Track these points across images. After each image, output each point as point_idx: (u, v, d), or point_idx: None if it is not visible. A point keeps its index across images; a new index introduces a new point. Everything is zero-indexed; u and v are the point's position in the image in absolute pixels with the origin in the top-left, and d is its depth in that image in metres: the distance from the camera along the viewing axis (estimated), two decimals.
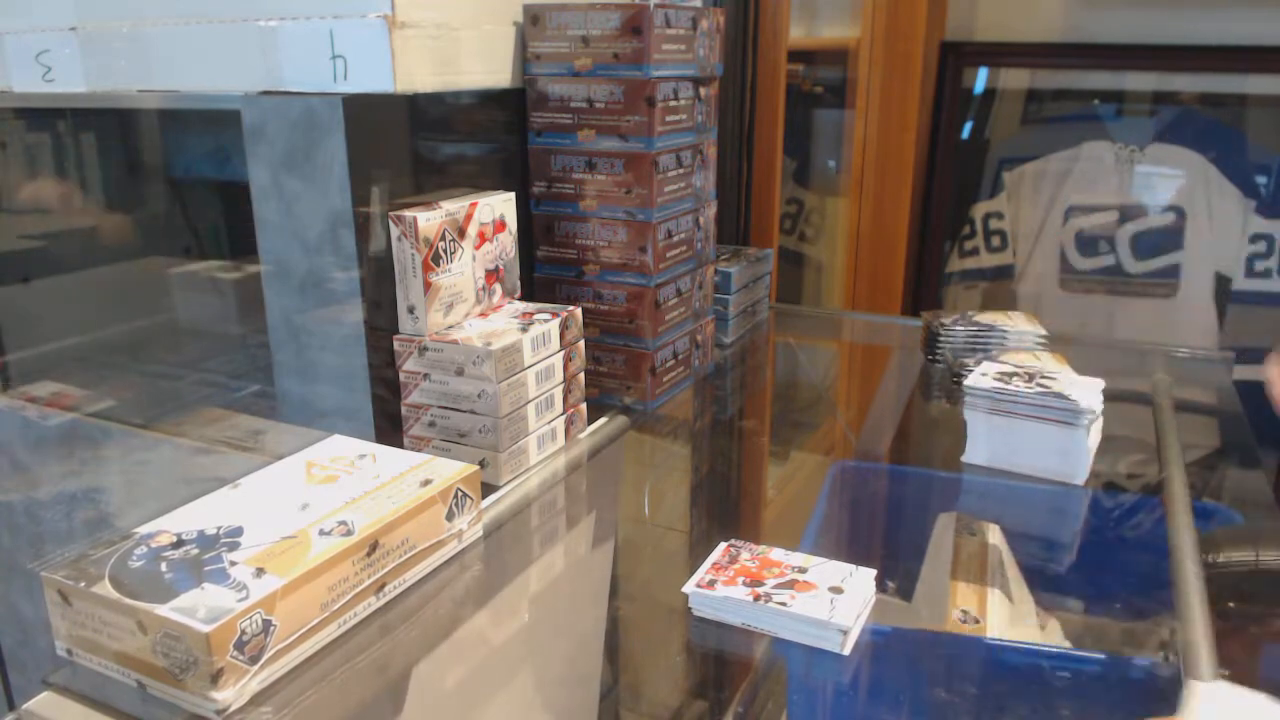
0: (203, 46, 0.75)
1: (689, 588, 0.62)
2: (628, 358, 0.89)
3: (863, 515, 0.94)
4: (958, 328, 1.05)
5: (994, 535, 0.84)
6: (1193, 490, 0.77)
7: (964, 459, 0.84)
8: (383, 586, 0.56)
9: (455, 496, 0.61)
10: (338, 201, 0.68)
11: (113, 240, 1.10)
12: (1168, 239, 1.55)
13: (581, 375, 0.82)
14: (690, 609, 0.62)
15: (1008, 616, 0.74)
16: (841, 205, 1.72)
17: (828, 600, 0.59)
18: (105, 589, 0.49)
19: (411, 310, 0.73)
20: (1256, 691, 0.48)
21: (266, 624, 0.48)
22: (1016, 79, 1.69)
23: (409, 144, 0.74)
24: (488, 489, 0.70)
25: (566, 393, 0.80)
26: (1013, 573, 0.80)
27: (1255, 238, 1.49)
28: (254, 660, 0.48)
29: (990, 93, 1.72)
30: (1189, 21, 1.50)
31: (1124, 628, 0.75)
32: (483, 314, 0.79)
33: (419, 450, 0.74)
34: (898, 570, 0.81)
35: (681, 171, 0.89)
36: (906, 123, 1.56)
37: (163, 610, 0.47)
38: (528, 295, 0.86)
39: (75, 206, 1.09)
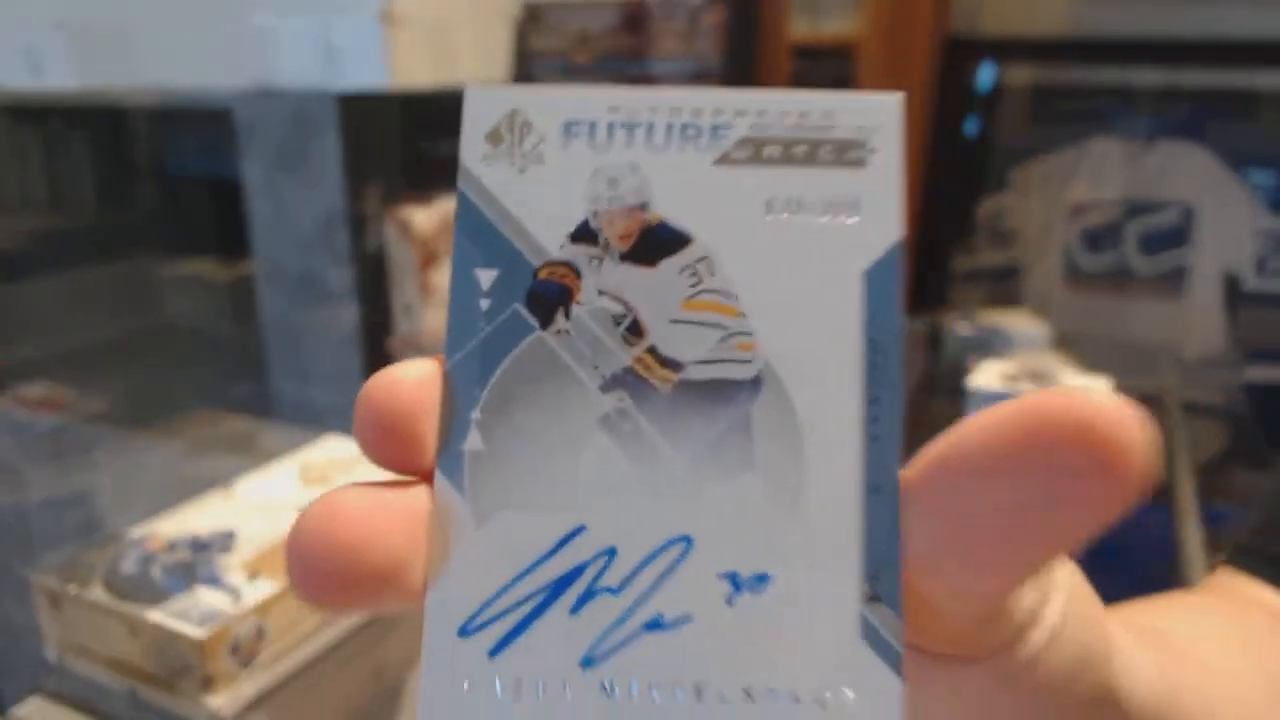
0: (195, 42, 0.74)
1: None
2: None
3: None
4: (962, 327, 1.04)
5: None
6: (1200, 493, 0.76)
7: None
8: None
9: None
10: (332, 200, 0.68)
11: (103, 239, 1.09)
12: (1176, 237, 1.54)
13: None
14: None
15: None
16: None
17: None
18: (97, 593, 0.48)
19: (408, 310, 0.72)
20: None
21: (260, 628, 0.48)
22: (1023, 75, 1.68)
23: (405, 141, 0.73)
24: None
25: None
26: None
27: (1266, 236, 1.47)
28: (247, 665, 0.47)
29: (996, 89, 1.70)
30: (1198, 16, 1.49)
31: None
32: None
33: None
34: None
35: None
36: (911, 119, 1.54)
37: (155, 615, 0.46)
38: None
39: (64, 205, 1.09)
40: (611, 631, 0.12)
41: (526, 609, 0.12)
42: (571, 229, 0.13)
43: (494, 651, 0.12)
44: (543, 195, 0.13)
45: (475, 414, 0.12)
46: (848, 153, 0.13)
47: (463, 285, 0.13)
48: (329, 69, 0.67)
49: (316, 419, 0.74)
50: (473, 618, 0.12)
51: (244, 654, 0.47)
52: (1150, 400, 1.00)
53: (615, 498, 0.12)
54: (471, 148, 0.13)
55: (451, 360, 0.13)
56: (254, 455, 0.70)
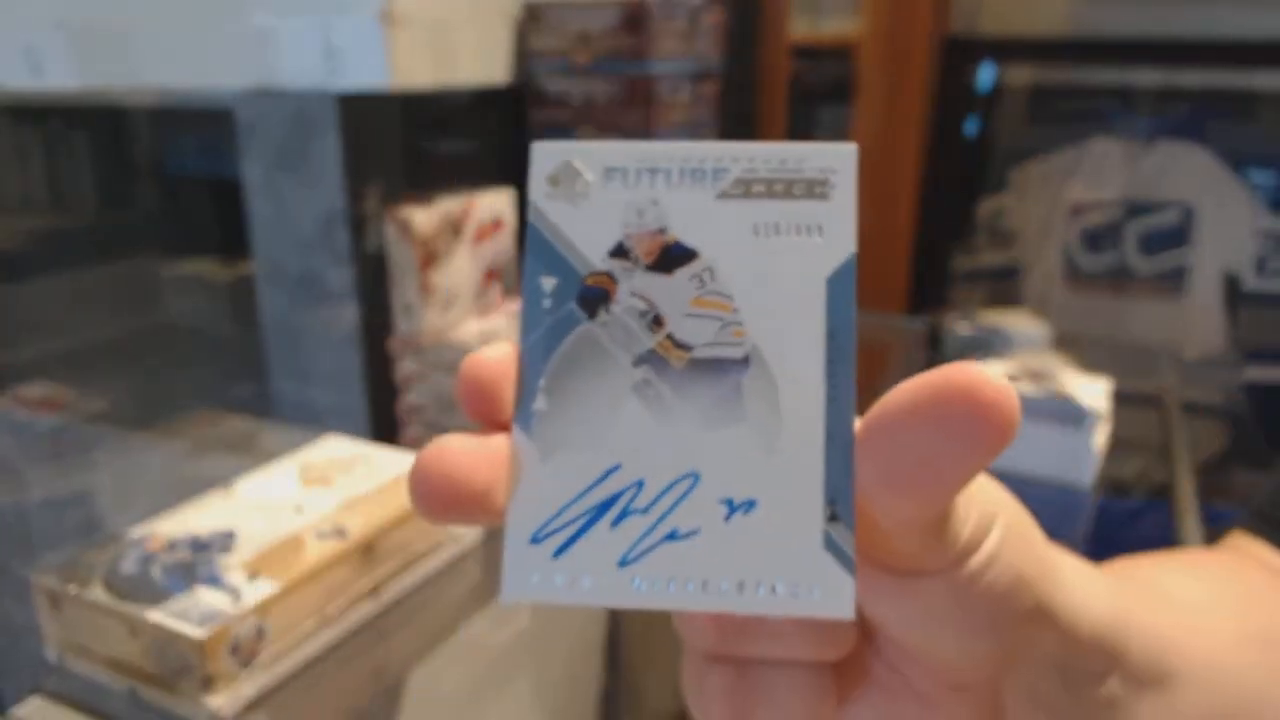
0: (195, 42, 0.74)
1: None
2: None
3: None
4: (962, 327, 1.04)
5: None
6: (1201, 493, 0.76)
7: None
8: (379, 590, 0.55)
9: None
10: (333, 200, 0.68)
11: (103, 239, 1.09)
12: (1176, 237, 1.54)
13: None
14: None
15: None
16: None
17: None
18: (97, 593, 0.48)
19: (408, 310, 0.72)
20: None
21: (260, 629, 0.48)
22: (1022, 75, 1.68)
23: (405, 142, 0.73)
24: None
25: None
26: None
27: (1266, 236, 1.47)
28: (247, 665, 0.47)
29: (996, 89, 1.70)
30: (1197, 16, 1.49)
31: None
32: (481, 313, 0.78)
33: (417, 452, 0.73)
34: None
35: None
36: (910, 119, 1.55)
37: (155, 615, 0.46)
38: None
39: (64, 205, 1.09)
40: (641, 540, 0.16)
41: (579, 524, 0.16)
42: (610, 247, 0.17)
43: (556, 554, 0.16)
44: (589, 223, 0.17)
45: (541, 383, 0.17)
46: (814, 189, 0.17)
47: (532, 289, 0.17)
48: (329, 69, 0.67)
49: (316, 419, 0.74)
50: (540, 529, 0.16)
51: (244, 654, 0.47)
52: (1150, 400, 1.00)
53: (643, 444, 0.16)
54: (537, 188, 0.17)
55: (524, 344, 0.17)
56: (254, 455, 0.70)
